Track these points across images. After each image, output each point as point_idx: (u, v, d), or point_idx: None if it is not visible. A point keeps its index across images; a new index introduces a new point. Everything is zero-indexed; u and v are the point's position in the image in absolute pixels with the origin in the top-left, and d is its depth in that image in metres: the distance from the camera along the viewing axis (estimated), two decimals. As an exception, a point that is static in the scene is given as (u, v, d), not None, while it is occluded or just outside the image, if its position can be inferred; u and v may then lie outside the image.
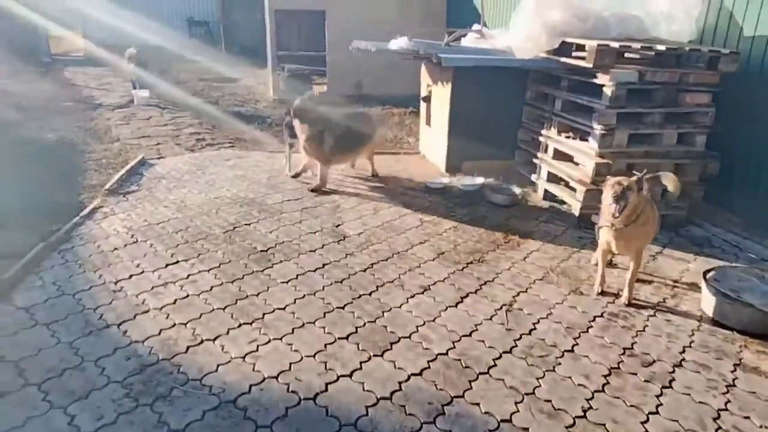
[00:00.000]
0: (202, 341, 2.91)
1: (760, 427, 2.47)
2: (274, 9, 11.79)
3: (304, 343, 2.94)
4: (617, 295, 3.60)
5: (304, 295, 3.44)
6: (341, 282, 3.65)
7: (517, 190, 5.44)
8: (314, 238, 4.33)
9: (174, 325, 3.04)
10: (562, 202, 5.29)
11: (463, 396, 2.58)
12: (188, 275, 3.63)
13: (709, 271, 3.56)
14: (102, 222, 4.49)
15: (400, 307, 3.36)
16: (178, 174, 5.88)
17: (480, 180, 5.79)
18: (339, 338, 3.00)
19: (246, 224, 4.55)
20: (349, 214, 4.93)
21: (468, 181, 5.83)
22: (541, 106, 5.67)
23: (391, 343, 2.97)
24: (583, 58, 4.65)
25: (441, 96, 6.25)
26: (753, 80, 4.65)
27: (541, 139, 5.54)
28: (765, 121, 4.62)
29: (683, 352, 3.00)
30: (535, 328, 3.18)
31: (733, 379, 2.78)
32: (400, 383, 2.65)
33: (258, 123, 9.24)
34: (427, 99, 6.84)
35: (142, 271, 3.65)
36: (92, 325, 3.00)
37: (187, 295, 3.37)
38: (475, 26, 6.81)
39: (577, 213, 4.80)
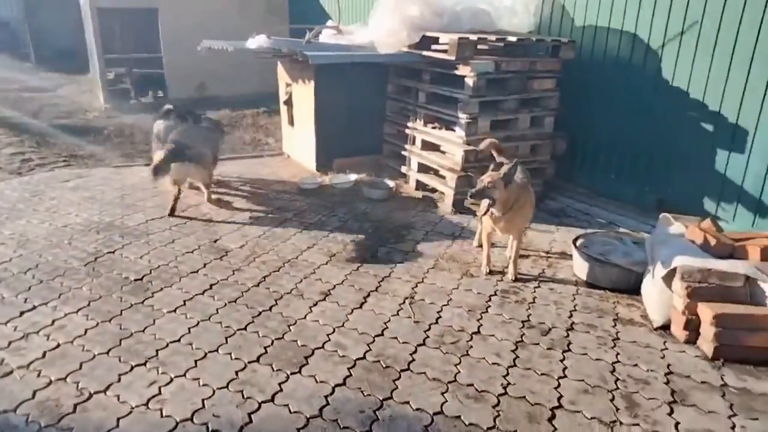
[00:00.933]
0: (90, 395, 2.52)
1: (647, 371, 2.79)
2: (96, 7, 10.59)
3: (212, 374, 2.69)
4: (503, 273, 3.82)
5: (198, 322, 3.15)
6: (235, 301, 3.40)
7: (391, 184, 5.53)
8: (193, 258, 3.99)
9: (50, 382, 2.59)
10: (434, 191, 5.50)
11: (391, 397, 2.55)
12: (53, 321, 3.12)
13: (576, 239, 3.93)
14: None
15: (304, 317, 3.23)
16: (8, 203, 5.04)
17: (353, 176, 5.79)
18: (249, 362, 2.79)
19: (109, 252, 4.04)
20: (225, 226, 4.63)
21: (341, 179, 5.80)
22: (405, 99, 5.82)
23: (306, 357, 2.84)
24: (444, 51, 4.85)
25: (303, 94, 6.12)
26: (585, 65, 5.22)
27: (407, 131, 5.69)
28: (598, 101, 5.22)
29: (571, 316, 3.29)
30: (440, 317, 3.25)
31: (617, 333, 3.11)
32: (326, 397, 2.54)
33: (93, 136, 8.31)
34: (288, 99, 6.65)
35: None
36: (-61, 402, 2.45)
37: (58, 345, 2.89)
38: (330, 22, 6.76)
39: (450, 199, 5.01)
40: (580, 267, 3.71)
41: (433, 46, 5.20)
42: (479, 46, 4.92)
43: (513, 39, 4.80)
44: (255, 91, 11.51)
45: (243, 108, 10.67)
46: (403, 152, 5.82)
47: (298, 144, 6.61)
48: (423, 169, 5.55)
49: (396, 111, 6.09)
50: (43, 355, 2.80)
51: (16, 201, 5.09)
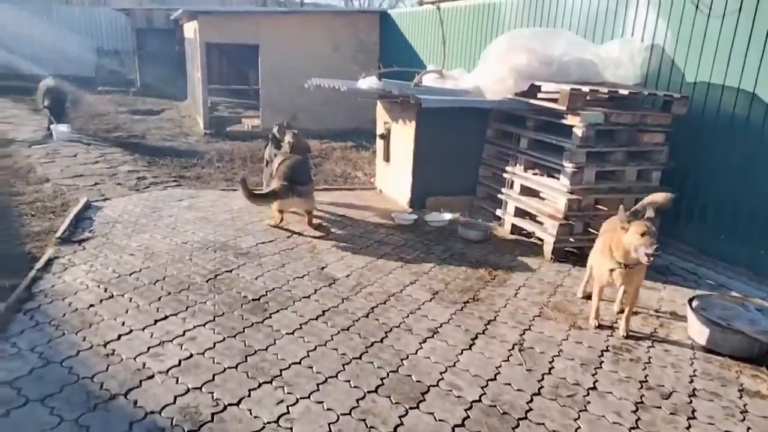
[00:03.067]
0: (225, 407, 2.67)
1: (781, 449, 2.65)
2: (205, 42, 11.43)
3: (335, 400, 2.79)
4: (612, 327, 3.75)
5: (316, 347, 3.28)
6: (348, 330, 3.52)
7: (488, 226, 5.57)
8: (304, 283, 4.17)
9: (188, 390, 2.78)
10: (529, 236, 5.49)
11: (512, 444, 2.55)
12: (184, 332, 3.35)
13: (692, 299, 3.81)
14: (63, 275, 4.06)
15: (416, 353, 3.30)
16: (132, 217, 5.47)
17: (448, 216, 5.88)
18: (368, 392, 2.88)
19: (227, 271, 4.30)
20: (329, 255, 4.81)
21: (436, 216, 5.90)
22: (504, 144, 5.90)
23: (422, 393, 2.90)
24: (552, 100, 4.92)
25: (403, 133, 6.33)
26: (697, 120, 5.12)
27: (505, 175, 5.74)
28: (709, 158, 5.09)
29: (691, 381, 3.17)
30: (553, 367, 3.23)
31: (744, 405, 2.97)
32: (447, 436, 2.58)
33: (198, 159, 8.86)
34: (385, 136, 6.89)
35: (130, 330, 3.32)
36: (95, 397, 2.67)
37: (191, 355, 3.10)
38: (431, 67, 7.00)
39: (550, 247, 4.98)
40: (697, 330, 3.58)
41: (540, 95, 5.28)
42: (588, 97, 4.95)
43: (624, 92, 4.81)
44: (342, 126, 11.98)
45: (331, 141, 11.10)
46: (498, 195, 5.86)
47: (392, 180, 6.80)
48: (519, 213, 5.56)
49: (493, 155, 6.17)
50: (179, 363, 3.01)
51: (138, 216, 5.52)
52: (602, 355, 3.39)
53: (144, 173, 7.67)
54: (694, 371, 3.27)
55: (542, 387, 3.02)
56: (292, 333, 3.43)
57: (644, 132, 4.97)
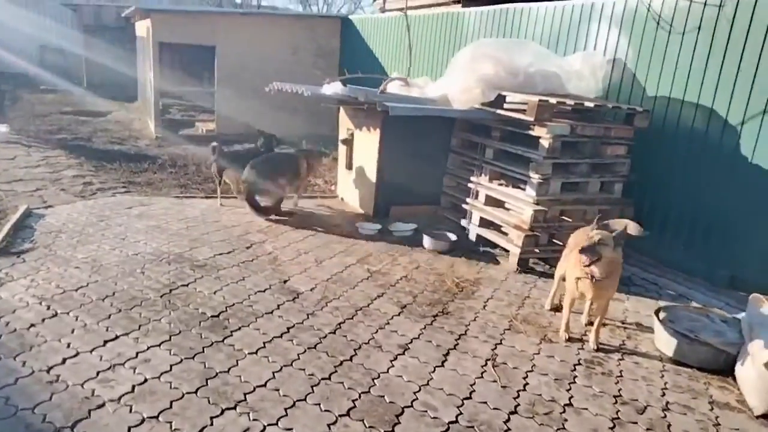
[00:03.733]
0: (185, 437, 2.46)
1: (754, 464, 2.65)
2: (158, 41, 10.98)
3: (305, 426, 2.61)
4: (581, 340, 3.72)
5: (281, 367, 3.09)
6: (315, 348, 3.35)
7: (453, 236, 5.50)
8: (266, 298, 3.97)
9: (143, 420, 2.54)
10: (494, 246, 5.46)
11: (492, 469, 2.45)
12: (137, 353, 3.09)
13: (658, 311, 3.83)
14: (1, 291, 3.71)
15: (387, 371, 3.16)
16: (78, 226, 5.11)
17: (412, 226, 5.78)
18: (340, 415, 2.71)
19: (183, 285, 4.04)
20: (292, 267, 4.62)
21: (400, 227, 5.80)
22: (469, 154, 5.86)
23: (396, 416, 2.76)
24: (519, 111, 4.90)
25: (367, 141, 6.20)
26: (656, 134, 5.21)
27: (470, 185, 5.70)
28: (669, 172, 5.19)
29: (663, 394, 3.16)
30: (527, 383, 3.15)
31: (716, 417, 2.98)
32: (425, 463, 2.44)
33: (149, 164, 8.46)
34: (348, 142, 6.75)
35: (77, 353, 3.04)
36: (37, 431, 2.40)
37: (146, 380, 2.85)
38: (395, 74, 6.92)
39: (516, 258, 4.95)
40: (664, 342, 3.59)
41: (506, 105, 5.27)
42: (554, 109, 4.96)
43: (590, 104, 4.84)
44: (300, 132, 11.71)
45: (288, 147, 10.83)
46: (463, 205, 5.81)
47: (354, 188, 6.65)
48: (484, 224, 5.52)
49: (458, 164, 6.13)
50: (132, 389, 2.76)
51: (84, 225, 5.16)
52: (575, 369, 3.35)
53: (90, 178, 7.24)
54: (665, 384, 3.27)
55: (518, 405, 2.93)
56: (256, 352, 3.23)
57: (607, 144, 5.01)
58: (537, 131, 4.79)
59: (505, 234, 5.30)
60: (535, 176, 4.82)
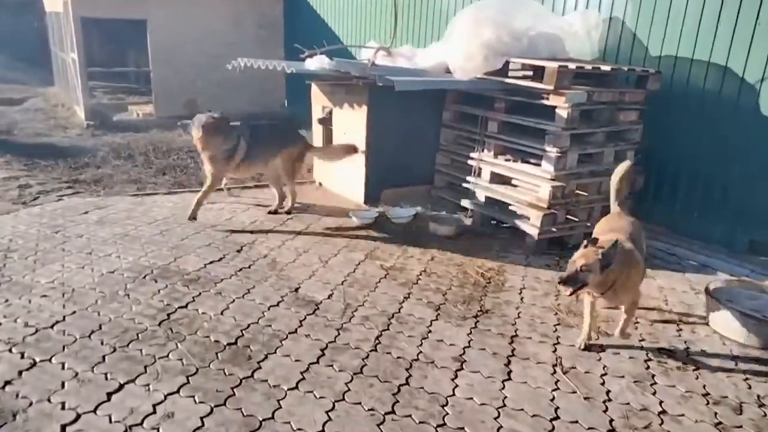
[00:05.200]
0: None
1: None
2: (79, 16, 9.73)
3: (392, 482, 2.15)
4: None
5: (333, 404, 2.59)
6: (361, 372, 2.86)
7: (458, 219, 5.09)
8: (282, 314, 3.42)
9: (192, 504, 1.99)
10: (500, 226, 5.11)
11: None
12: (154, 407, 2.49)
13: (708, 288, 3.59)
14: (-48, 338, 2.96)
15: (453, 393, 2.73)
16: (29, 242, 4.30)
17: (412, 210, 5.32)
18: (424, 461, 2.27)
19: (181, 307, 3.41)
20: (296, 270, 4.06)
21: (399, 212, 5.32)
22: (466, 128, 5.41)
23: (488, 452, 2.34)
24: (523, 77, 4.49)
25: (350, 119, 5.62)
26: (663, 98, 4.95)
27: (471, 162, 5.27)
28: (678, 135, 4.97)
29: (750, 387, 2.91)
30: (609, 390, 2.81)
31: (814, 409, 2.75)
32: None
33: (89, 158, 7.50)
34: (325, 122, 6.14)
35: (77, 416, 2.41)
36: None
37: (176, 443, 2.28)
38: (371, 42, 6.31)
39: (534, 239, 4.61)
40: (727, 325, 3.35)
41: (512, 73, 4.84)
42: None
43: (607, 68, 4.49)
44: (249, 110, 10.91)
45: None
46: (463, 184, 5.39)
47: (337, 173, 6.08)
48: (490, 202, 5.13)
49: (451, 140, 5.68)
50: (164, 461, 2.19)
51: (37, 239, 4.35)
52: (648, 366, 3.04)
53: (26, 179, 6.26)
54: (745, 373, 3.02)
55: (612, 419, 2.59)
56: (296, 387, 2.70)
57: (621, 110, 4.71)
58: (553, 100, 4.40)
59: (515, 212, 4.94)
60: (552, 150, 4.45)
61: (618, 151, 4.82)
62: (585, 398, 2.73)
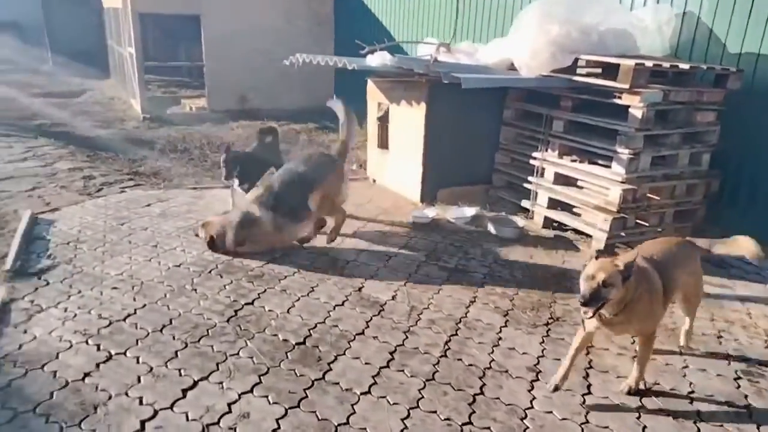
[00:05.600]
0: None
1: None
2: (137, 12, 9.95)
3: (477, 498, 2.06)
4: (723, 353, 3.23)
5: (408, 411, 2.52)
6: (433, 379, 2.78)
7: (521, 222, 4.94)
8: (348, 314, 3.36)
9: None
10: (564, 229, 4.93)
11: None
12: (229, 405, 2.47)
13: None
14: (31, 327, 3.02)
15: (531, 405, 2.62)
16: (97, 233, 4.39)
17: (470, 211, 5.20)
18: (510, 478, 2.17)
19: (247, 303, 3.40)
20: (358, 269, 4.01)
21: (457, 213, 5.20)
22: (527, 126, 5.26)
23: (575, 470, 2.22)
24: (595, 75, 4.31)
25: (408, 117, 5.53)
26: (742, 97, 4.67)
27: (533, 162, 5.11)
28: (758, 137, 4.68)
29: None
30: (698, 410, 2.64)
31: None
32: None
33: (148, 150, 7.64)
34: (382, 119, 6.07)
35: (155, 412, 2.41)
36: None
37: (254, 445, 2.25)
38: (429, 38, 6.20)
39: (602, 243, 4.43)
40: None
41: (580, 70, 4.66)
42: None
43: (685, 66, 4.27)
44: (298, 105, 11.00)
45: (290, 122, 10.07)
46: (524, 184, 5.24)
47: (392, 169, 6.01)
48: (553, 204, 4.97)
49: (512, 138, 5.53)
50: (244, 463, 2.16)
51: (104, 230, 4.44)
52: (739, 386, 2.85)
53: (89, 171, 6.42)
54: None
55: (704, 442, 2.43)
56: (369, 391, 2.64)
57: (698, 111, 4.47)
58: (626, 99, 4.21)
59: (578, 215, 4.77)
60: (624, 151, 4.26)
61: (693, 154, 4.59)
62: (674, 418, 2.58)
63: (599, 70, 4.68)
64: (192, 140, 8.43)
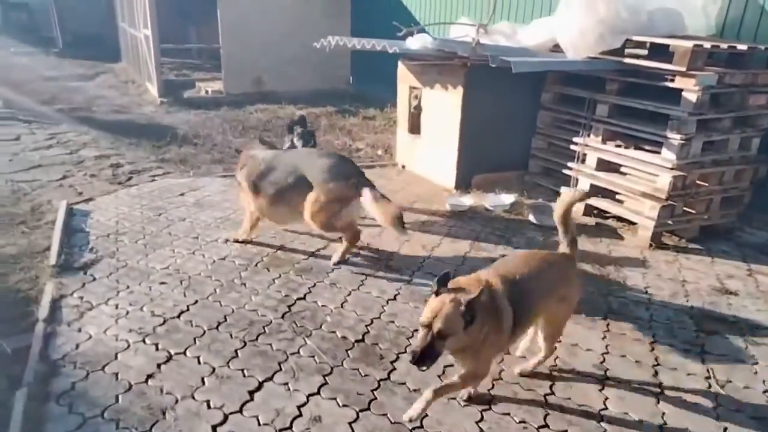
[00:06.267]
0: None
1: None
2: (152, -7, 9.76)
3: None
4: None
5: (481, 414, 2.46)
6: (500, 378, 2.72)
7: (562, 208, 4.82)
8: (401, 308, 3.30)
9: None
10: (605, 217, 4.82)
11: None
12: (299, 408, 2.42)
13: None
14: (84, 325, 2.96)
15: (605, 406, 2.55)
16: (135, 225, 4.31)
17: (509, 198, 5.09)
18: (597, 484, 2.10)
19: (299, 298, 3.34)
20: (403, 260, 3.94)
21: (495, 200, 5.09)
22: (566, 110, 5.12)
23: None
24: (641, 57, 4.18)
25: (444, 102, 5.39)
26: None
27: (574, 147, 4.98)
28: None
29: None
30: (775, 408, 2.57)
31: None
32: None
33: (170, 136, 7.52)
34: (418, 106, 5.93)
35: (225, 417, 2.35)
36: None
37: (333, 452, 2.20)
38: (464, 19, 6.02)
39: (649, 232, 4.32)
40: None
41: (628, 51, 4.50)
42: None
43: (743, 47, 4.10)
44: (313, 87, 10.85)
45: (307, 105, 9.92)
46: (563, 170, 5.12)
47: (424, 156, 5.89)
48: (594, 191, 4.85)
49: (549, 122, 5.39)
50: (323, 470, 2.10)
51: (142, 222, 4.36)
52: (813, 385, 2.77)
53: (116, 158, 6.33)
54: None
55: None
56: (438, 392, 2.57)
57: (751, 94, 4.31)
58: (679, 82, 4.06)
59: (621, 202, 4.66)
60: (675, 137, 4.13)
61: (744, 138, 4.45)
62: (752, 418, 2.50)
63: (645, 52, 4.52)
64: (213, 125, 8.31)
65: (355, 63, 11.28)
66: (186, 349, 2.78)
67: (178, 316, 3.07)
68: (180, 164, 6.29)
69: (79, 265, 3.60)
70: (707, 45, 3.94)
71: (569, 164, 5.04)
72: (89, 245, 3.90)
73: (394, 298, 3.40)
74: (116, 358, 2.70)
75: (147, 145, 7.02)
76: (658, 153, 4.31)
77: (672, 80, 4.12)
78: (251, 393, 2.49)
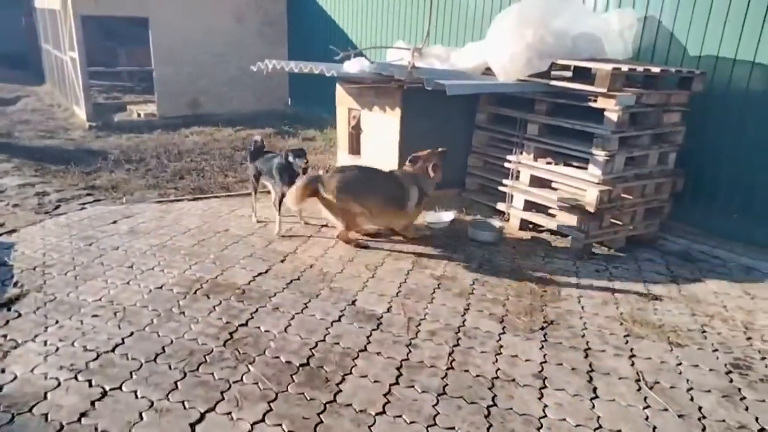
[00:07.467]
0: None
1: None
2: (80, 14, 9.44)
3: None
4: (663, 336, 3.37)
5: (427, 429, 2.49)
6: (444, 393, 2.76)
7: (498, 224, 4.99)
8: (347, 330, 3.30)
9: None
10: (540, 231, 5.03)
11: None
12: (242, 438, 2.37)
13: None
14: (8, 364, 2.80)
15: (545, 414, 2.64)
16: (64, 256, 4.12)
17: (448, 216, 5.21)
18: (540, 492, 2.17)
19: (241, 325, 3.28)
20: (348, 281, 3.95)
21: (435, 217, 5.20)
22: (500, 130, 5.33)
23: (599, 478, 2.26)
24: (566, 79, 4.43)
25: (382, 123, 5.50)
26: (702, 99, 4.88)
27: (509, 165, 5.18)
28: (719, 136, 4.92)
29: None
30: (700, 406, 2.75)
31: None
32: None
33: (100, 161, 7.25)
34: (356, 128, 6.00)
35: (165, 451, 2.27)
36: None
37: (279, 480, 2.16)
38: (400, 43, 6.17)
39: (581, 244, 4.55)
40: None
41: (555, 74, 4.75)
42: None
43: (656, 70, 4.42)
44: (251, 109, 10.83)
45: (245, 127, 9.83)
46: (498, 187, 5.31)
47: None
48: (529, 207, 5.06)
49: (485, 142, 5.59)
50: (270, 500, 2.07)
51: (72, 252, 4.17)
52: (731, 380, 2.98)
53: (41, 186, 6.04)
54: (828, 384, 2.98)
55: (715, 439, 2.52)
56: (383, 411, 2.59)
57: (665, 112, 4.65)
58: (602, 103, 4.32)
59: (553, 216, 4.88)
60: (600, 153, 4.38)
61: (661, 153, 4.77)
62: (679, 416, 2.66)
63: (570, 74, 4.79)
64: (147, 149, 8.07)
65: (294, 84, 11.30)
66: (122, 384, 2.67)
67: (113, 350, 2.94)
68: (112, 191, 6.07)
69: (2, 301, 3.39)
70: (625, 68, 4.22)
71: (504, 181, 5.24)
72: (13, 279, 3.69)
73: (339, 320, 3.40)
74: (45, 397, 2.55)
75: (75, 171, 6.73)
76: (586, 169, 4.56)
77: (595, 100, 4.38)
78: (192, 425, 2.42)
